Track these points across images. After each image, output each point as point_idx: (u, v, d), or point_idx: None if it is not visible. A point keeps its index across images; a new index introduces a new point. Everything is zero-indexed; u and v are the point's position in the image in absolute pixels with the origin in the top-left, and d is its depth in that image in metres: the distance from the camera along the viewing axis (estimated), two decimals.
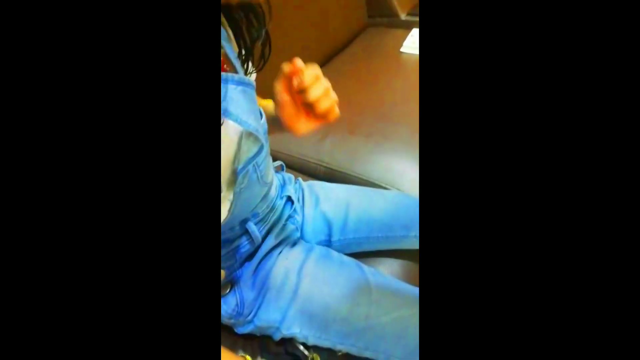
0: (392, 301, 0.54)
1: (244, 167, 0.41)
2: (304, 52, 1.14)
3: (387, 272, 0.67)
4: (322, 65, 1.22)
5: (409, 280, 0.61)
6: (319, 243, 0.65)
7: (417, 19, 1.35)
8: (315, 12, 1.15)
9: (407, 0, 1.42)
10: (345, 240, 0.65)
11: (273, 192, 0.58)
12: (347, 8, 1.31)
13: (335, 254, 0.60)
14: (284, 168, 0.69)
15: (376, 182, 0.83)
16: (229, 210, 0.43)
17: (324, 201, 0.67)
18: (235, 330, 0.56)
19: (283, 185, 0.63)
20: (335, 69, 1.21)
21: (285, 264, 0.55)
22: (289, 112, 0.45)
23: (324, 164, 0.87)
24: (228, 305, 0.52)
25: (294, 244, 0.59)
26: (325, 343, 0.54)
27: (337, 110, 0.45)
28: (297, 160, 0.90)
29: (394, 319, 0.52)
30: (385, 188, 0.81)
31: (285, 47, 1.04)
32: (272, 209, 0.57)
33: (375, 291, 0.55)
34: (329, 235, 0.66)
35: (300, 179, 0.71)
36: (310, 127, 0.47)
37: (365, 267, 0.59)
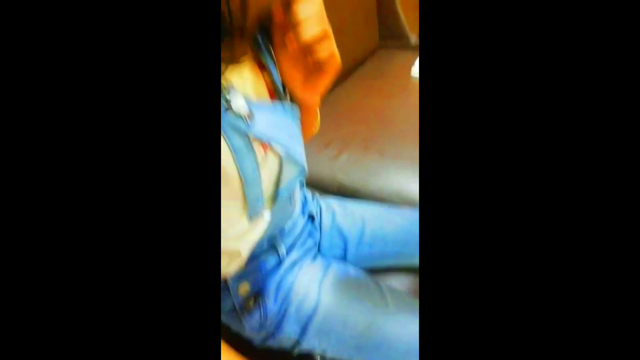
0: (408, 316, 0.56)
1: (285, 189, 0.44)
2: None
3: (401, 287, 0.68)
4: (334, 85, 1.26)
5: None
6: (335, 257, 0.67)
7: None
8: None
9: (418, 24, 1.46)
10: (360, 255, 0.67)
11: (297, 209, 0.60)
12: (360, 30, 1.36)
13: (352, 269, 0.62)
14: (304, 185, 0.72)
15: (388, 199, 0.85)
16: (265, 230, 0.46)
17: (340, 217, 0.69)
18: (255, 343, 0.58)
19: (305, 203, 0.66)
20: (347, 89, 1.25)
21: (307, 279, 0.57)
22: (288, 63, 0.41)
23: (338, 181, 0.90)
24: (252, 317, 0.54)
25: (313, 259, 0.62)
26: (343, 356, 0.55)
27: (338, 59, 0.38)
28: (311, 177, 0.92)
29: (411, 333, 0.54)
30: (395, 204, 0.84)
31: None
32: (296, 224, 0.60)
33: (392, 306, 0.56)
34: (345, 249, 0.68)
35: (317, 195, 0.73)
36: (313, 87, 0.42)
37: (381, 283, 0.61)
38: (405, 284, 0.70)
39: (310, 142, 1.03)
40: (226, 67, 0.38)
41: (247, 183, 0.40)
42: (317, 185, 0.91)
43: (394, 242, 0.67)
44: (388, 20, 1.41)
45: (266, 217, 0.45)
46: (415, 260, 0.68)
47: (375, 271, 0.67)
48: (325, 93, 0.44)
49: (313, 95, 0.44)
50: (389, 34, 1.44)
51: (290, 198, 0.51)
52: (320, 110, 1.25)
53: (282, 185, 0.44)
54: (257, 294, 0.55)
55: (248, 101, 0.38)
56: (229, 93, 0.37)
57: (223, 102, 0.36)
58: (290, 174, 0.45)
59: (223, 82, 0.37)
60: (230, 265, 0.48)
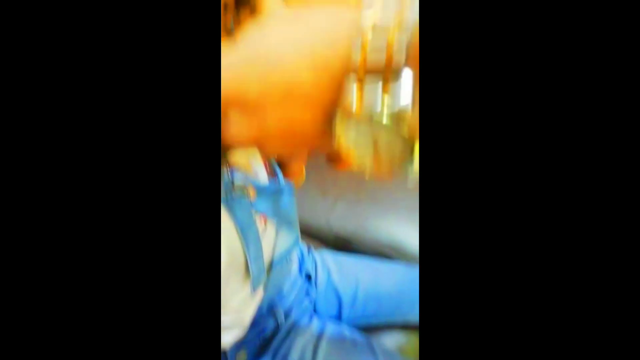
0: None
1: (280, 259, 0.47)
2: None
3: (395, 345, 0.70)
4: None
5: (415, 356, 0.65)
6: (330, 316, 0.69)
7: None
8: None
9: None
10: (354, 314, 0.69)
11: (295, 268, 0.62)
12: None
13: (347, 331, 0.64)
14: (298, 240, 0.74)
15: (383, 248, 0.88)
16: (262, 298, 0.48)
17: (335, 275, 0.71)
18: None
19: (302, 261, 0.68)
20: None
21: (302, 341, 0.59)
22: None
23: (334, 231, 0.93)
24: None
25: (309, 320, 0.63)
26: None
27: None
28: (307, 227, 0.95)
29: None
30: (390, 255, 0.86)
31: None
32: (294, 286, 0.62)
33: None
34: (339, 308, 0.69)
35: (312, 248, 0.75)
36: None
37: (374, 344, 0.62)
38: (397, 342, 0.72)
39: (307, 193, 1.06)
40: (227, 149, 0.41)
41: (251, 259, 0.42)
42: (314, 236, 0.93)
43: (388, 300, 0.69)
44: None
45: (262, 287, 0.48)
46: (408, 317, 0.70)
47: (368, 328, 0.69)
48: None
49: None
50: None
51: (287, 260, 0.53)
52: (317, 160, 1.27)
53: (277, 255, 0.47)
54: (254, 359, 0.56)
55: (251, 179, 0.41)
56: (232, 173, 0.40)
57: (227, 181, 0.39)
58: (286, 244, 0.48)
59: (225, 163, 0.40)
60: (230, 336, 0.50)
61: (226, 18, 0.32)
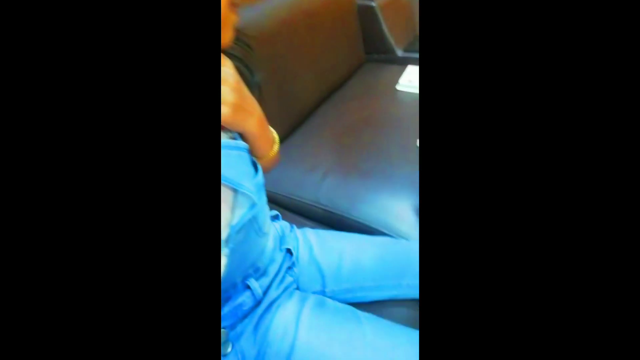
0: (387, 342, 0.57)
1: (237, 225, 0.45)
2: (303, 91, 1.18)
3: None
4: (321, 102, 1.26)
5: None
6: (314, 292, 0.68)
7: (413, 55, 1.40)
8: (314, 49, 1.20)
9: (403, 36, 1.47)
10: (339, 291, 0.68)
11: (271, 243, 0.61)
12: (345, 44, 1.36)
13: (329, 301, 0.63)
14: (280, 217, 0.72)
15: (373, 226, 0.86)
16: (226, 266, 0.46)
17: (317, 250, 0.70)
18: None
19: (282, 237, 0.67)
20: (334, 106, 1.26)
21: (284, 316, 0.58)
22: None
23: (322, 207, 0.91)
24: None
25: (291, 295, 0.62)
26: None
27: (251, 130, 0.48)
28: (295, 202, 0.93)
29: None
30: (382, 232, 0.84)
31: (284, 85, 1.09)
32: (272, 261, 0.61)
33: (369, 333, 0.57)
34: (323, 285, 0.68)
35: (295, 227, 0.74)
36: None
37: (359, 312, 0.62)
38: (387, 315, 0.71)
39: (294, 167, 1.04)
40: None
41: None
42: (301, 212, 0.92)
43: (372, 275, 0.68)
44: (372, 36, 1.41)
45: (224, 254, 0.46)
46: (394, 293, 0.69)
47: (355, 305, 0.68)
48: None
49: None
50: (374, 48, 1.44)
51: (258, 231, 0.52)
52: (305, 134, 1.24)
53: (234, 221, 0.45)
54: (234, 339, 0.56)
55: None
56: None
57: None
58: (241, 209, 0.46)
59: None
60: None
61: None
